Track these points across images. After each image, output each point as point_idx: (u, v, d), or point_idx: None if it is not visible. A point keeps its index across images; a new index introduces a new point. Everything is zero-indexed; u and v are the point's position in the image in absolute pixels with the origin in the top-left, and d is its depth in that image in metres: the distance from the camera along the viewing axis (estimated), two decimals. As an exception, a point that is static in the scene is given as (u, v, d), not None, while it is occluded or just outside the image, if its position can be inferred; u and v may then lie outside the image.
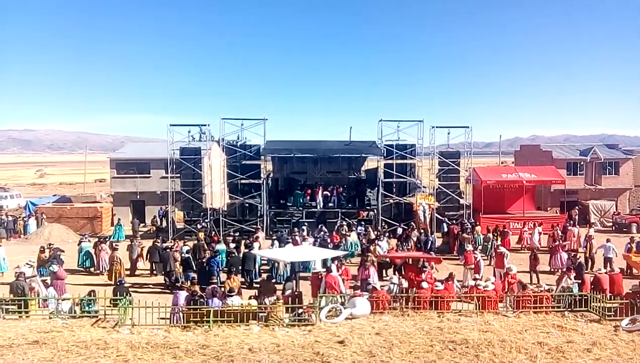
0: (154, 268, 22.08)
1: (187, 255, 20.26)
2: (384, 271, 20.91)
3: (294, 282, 17.06)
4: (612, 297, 15.42)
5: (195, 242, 23.52)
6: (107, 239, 24.54)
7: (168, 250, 20.95)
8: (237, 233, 26.62)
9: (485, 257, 22.86)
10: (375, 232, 26.20)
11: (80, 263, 22.66)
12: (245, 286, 19.43)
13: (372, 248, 21.96)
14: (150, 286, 20.58)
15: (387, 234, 25.19)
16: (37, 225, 32.85)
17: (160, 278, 21.07)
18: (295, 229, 26.88)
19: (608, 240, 22.31)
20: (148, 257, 22.19)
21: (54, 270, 17.92)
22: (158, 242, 22.67)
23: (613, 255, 21.76)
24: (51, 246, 22.12)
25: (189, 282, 16.43)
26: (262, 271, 21.45)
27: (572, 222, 29.39)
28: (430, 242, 25.15)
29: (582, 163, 38.42)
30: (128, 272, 21.79)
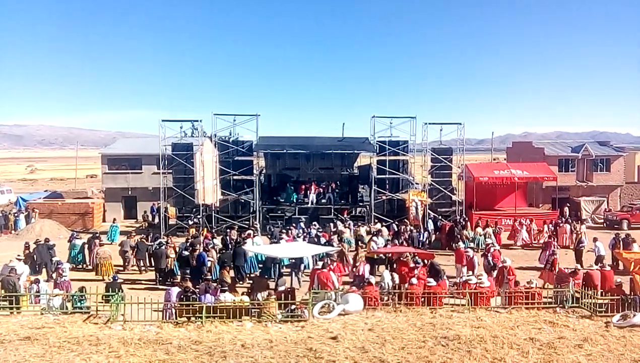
0: (141, 265, 21.98)
1: (186, 253, 20.18)
2: (376, 267, 20.92)
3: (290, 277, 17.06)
4: (604, 293, 15.54)
5: (190, 238, 23.48)
6: (98, 235, 24.32)
7: (162, 246, 20.85)
8: (228, 229, 26.38)
9: (478, 251, 22.86)
10: (367, 229, 26.25)
11: (71, 260, 22.51)
12: (235, 282, 19.39)
13: (366, 243, 21.99)
14: (143, 282, 20.48)
15: (377, 232, 24.96)
16: (28, 221, 32.65)
17: (152, 275, 20.96)
18: (294, 225, 26.84)
19: (595, 239, 22.33)
20: (135, 254, 22.09)
21: (67, 268, 17.77)
22: (144, 239, 22.65)
23: (604, 253, 21.84)
24: (38, 241, 21.80)
25: (180, 277, 16.40)
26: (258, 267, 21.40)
27: (564, 219, 29.58)
28: (422, 238, 25.21)
29: (573, 160, 38.62)
30: (117, 269, 21.61)
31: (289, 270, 19.49)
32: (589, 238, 23.62)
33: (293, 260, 19.32)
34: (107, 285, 16.01)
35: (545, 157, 37.65)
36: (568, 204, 35.22)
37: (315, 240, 23.58)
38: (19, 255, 18.98)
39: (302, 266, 19.70)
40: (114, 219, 31.32)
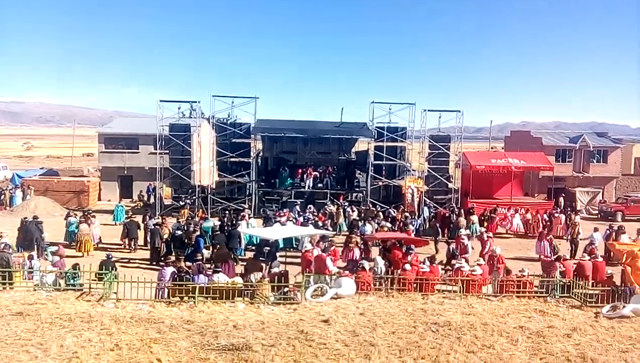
0: (132, 244, 22.01)
1: (179, 232, 20.20)
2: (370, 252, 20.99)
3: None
4: (595, 284, 15.64)
5: (187, 219, 23.51)
6: (91, 212, 24.26)
7: (156, 226, 20.88)
8: (226, 211, 26.48)
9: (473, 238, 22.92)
10: (362, 214, 26.28)
11: (68, 237, 22.50)
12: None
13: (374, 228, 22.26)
14: (137, 261, 20.51)
15: (374, 217, 24.96)
16: (23, 198, 32.61)
17: (146, 254, 20.99)
18: (287, 209, 26.83)
19: (596, 229, 22.41)
20: (126, 234, 22.09)
21: (54, 251, 17.72)
22: (135, 218, 22.79)
23: (597, 244, 21.91)
24: (26, 219, 21.20)
25: (174, 257, 16.42)
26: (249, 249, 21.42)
27: (559, 209, 29.63)
28: (417, 224, 25.27)
29: (571, 150, 38.64)
30: (96, 246, 21.55)
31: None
32: (584, 229, 23.69)
33: (268, 249, 19.19)
34: (100, 263, 16.01)
35: (543, 146, 37.65)
36: (563, 194, 35.33)
37: (313, 222, 23.64)
38: (2, 233, 18.60)
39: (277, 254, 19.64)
40: (120, 199, 31.27)
